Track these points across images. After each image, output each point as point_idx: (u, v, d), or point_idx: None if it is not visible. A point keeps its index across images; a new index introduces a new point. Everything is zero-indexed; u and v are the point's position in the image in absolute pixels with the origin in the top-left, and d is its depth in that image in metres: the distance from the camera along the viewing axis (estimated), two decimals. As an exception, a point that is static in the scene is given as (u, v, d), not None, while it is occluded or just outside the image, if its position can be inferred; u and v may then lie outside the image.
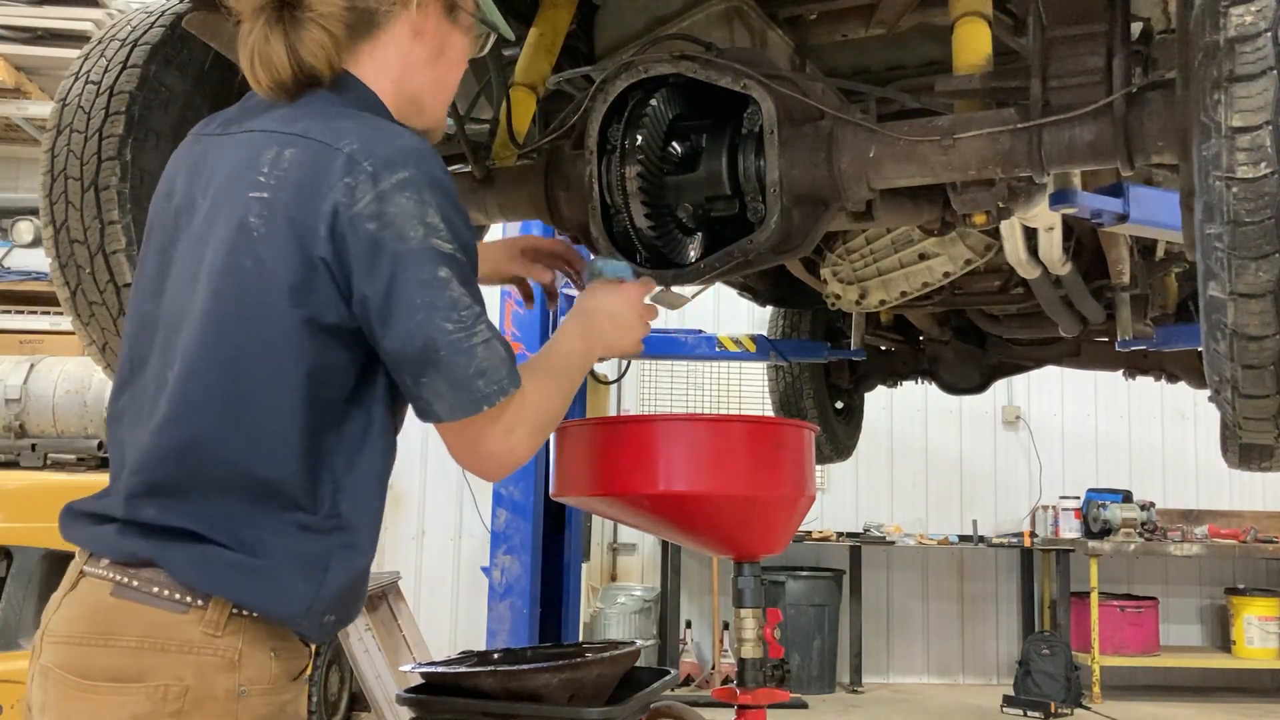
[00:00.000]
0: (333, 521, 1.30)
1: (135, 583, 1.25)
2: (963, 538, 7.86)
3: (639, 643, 2.40)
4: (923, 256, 3.33)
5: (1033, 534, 7.83)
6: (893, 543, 7.67)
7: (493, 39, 1.57)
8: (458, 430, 1.33)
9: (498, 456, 1.36)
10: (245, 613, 1.26)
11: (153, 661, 1.22)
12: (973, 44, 1.96)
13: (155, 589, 1.24)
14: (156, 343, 1.34)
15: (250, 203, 1.27)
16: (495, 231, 3.41)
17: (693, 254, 2.09)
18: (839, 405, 5.09)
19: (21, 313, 6.38)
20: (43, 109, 6.69)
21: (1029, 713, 6.61)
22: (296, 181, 1.26)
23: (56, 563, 4.00)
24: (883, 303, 3.50)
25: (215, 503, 1.26)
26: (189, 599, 1.24)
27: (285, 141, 1.29)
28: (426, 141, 1.34)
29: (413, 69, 1.43)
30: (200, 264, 1.31)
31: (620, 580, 7.86)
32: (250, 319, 1.27)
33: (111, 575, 1.26)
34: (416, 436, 6.41)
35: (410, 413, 1.41)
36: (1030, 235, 2.84)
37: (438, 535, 7.51)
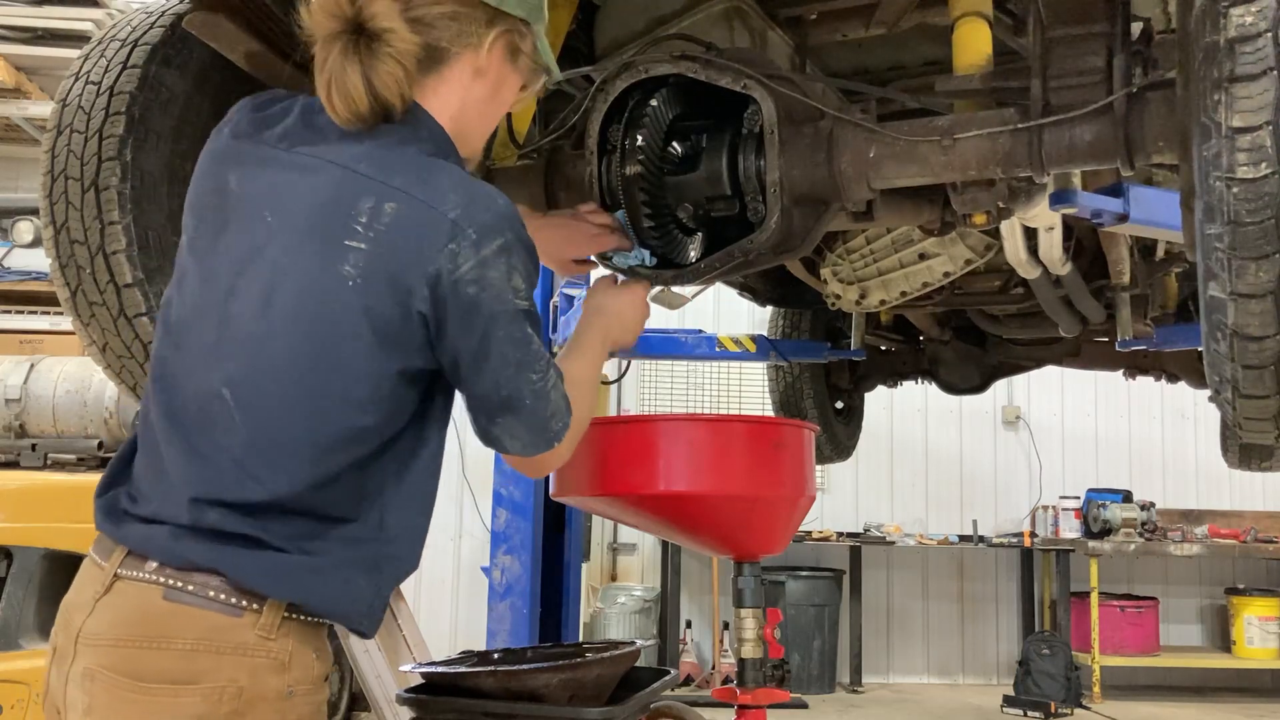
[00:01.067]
0: (379, 534, 1.38)
1: (190, 586, 1.27)
2: (963, 538, 7.86)
3: (639, 643, 2.40)
4: (923, 256, 3.33)
5: (1033, 534, 7.83)
6: (893, 543, 7.67)
7: (543, 80, 1.59)
8: (527, 458, 1.49)
9: (551, 465, 1.54)
10: (295, 616, 1.31)
11: (207, 664, 1.25)
12: (973, 44, 1.96)
13: (211, 593, 1.27)
14: (204, 349, 1.35)
15: (346, 251, 1.30)
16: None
17: (693, 254, 2.09)
18: (839, 405, 5.09)
19: (21, 313, 6.37)
20: (43, 109, 6.69)
21: (1029, 713, 6.61)
22: (400, 240, 1.31)
23: (56, 563, 4.00)
24: (883, 303, 3.50)
25: (279, 517, 1.31)
26: (244, 603, 1.28)
27: (385, 194, 1.32)
28: (509, 201, 1.39)
29: (469, 106, 1.47)
30: (277, 291, 1.32)
31: (620, 580, 7.86)
32: (339, 363, 1.31)
33: (161, 579, 1.28)
34: (416, 436, 6.39)
35: None
36: (1030, 235, 2.84)
37: (438, 535, 7.51)
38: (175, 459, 1.33)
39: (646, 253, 1.92)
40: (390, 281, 1.30)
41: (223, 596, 1.27)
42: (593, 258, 1.98)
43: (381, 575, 1.39)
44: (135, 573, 1.29)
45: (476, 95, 1.47)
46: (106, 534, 1.35)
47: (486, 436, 1.45)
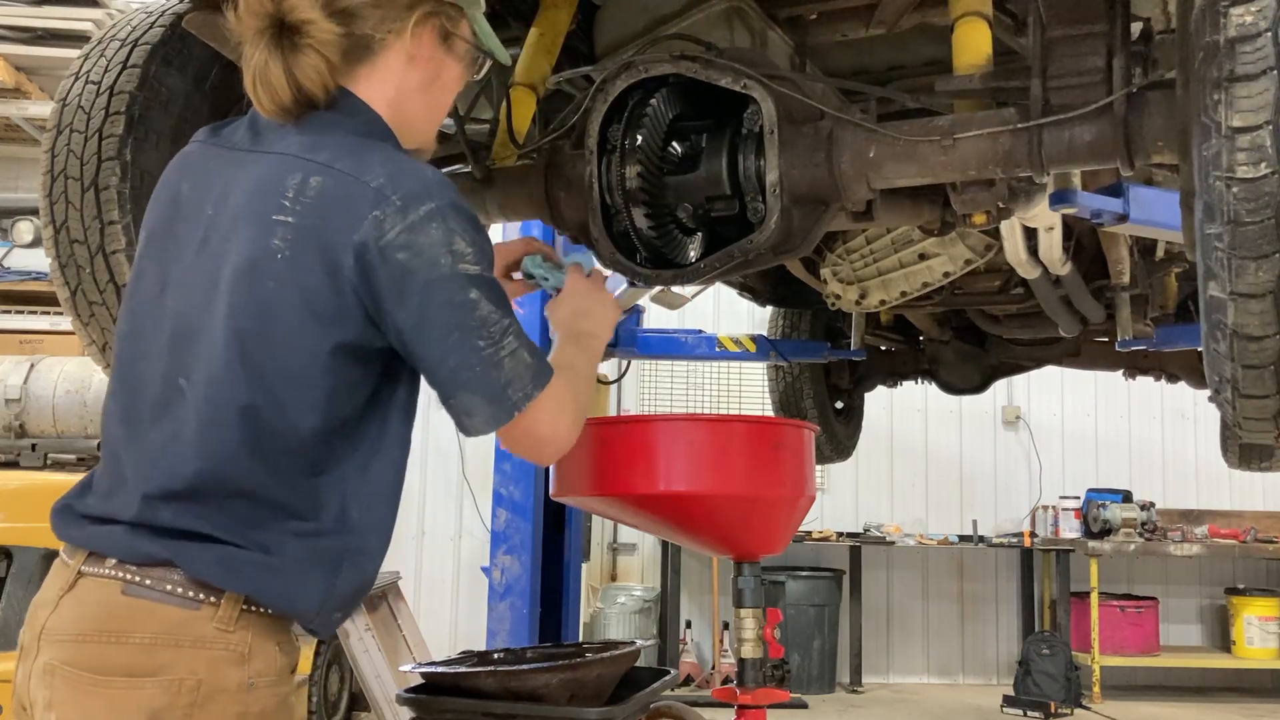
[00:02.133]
0: (341, 527, 1.37)
1: (148, 581, 1.28)
2: (963, 538, 7.86)
3: (639, 643, 2.40)
4: (923, 256, 3.33)
5: (1033, 534, 7.83)
6: (893, 543, 7.66)
7: (488, 65, 1.59)
8: (505, 433, 1.42)
9: (549, 442, 1.46)
10: (255, 609, 1.31)
11: (167, 657, 1.26)
12: (973, 44, 1.96)
13: (168, 587, 1.28)
14: (160, 347, 1.37)
15: (274, 225, 1.32)
16: (495, 232, 3.40)
17: (693, 254, 2.09)
18: (839, 405, 5.09)
19: (21, 313, 6.37)
20: (43, 109, 6.68)
21: (1029, 713, 6.61)
22: (324, 210, 1.31)
23: (56, 563, 4.00)
24: (883, 303, 3.50)
25: (229, 509, 1.31)
26: (201, 596, 1.29)
27: (311, 170, 1.33)
28: (441, 174, 1.39)
29: (406, 94, 1.47)
30: (217, 277, 1.34)
31: (620, 580, 7.86)
32: (275, 339, 1.31)
33: (121, 574, 1.29)
34: (416, 437, 6.41)
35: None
36: (1030, 235, 2.84)
37: (438, 535, 7.51)
38: (131, 459, 1.35)
39: (590, 254, 1.89)
40: (319, 253, 1.30)
41: (180, 590, 1.28)
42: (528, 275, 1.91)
43: (340, 573, 1.36)
44: (96, 569, 1.31)
45: (412, 83, 1.47)
46: (66, 539, 1.37)
47: (456, 419, 1.41)
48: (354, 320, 1.33)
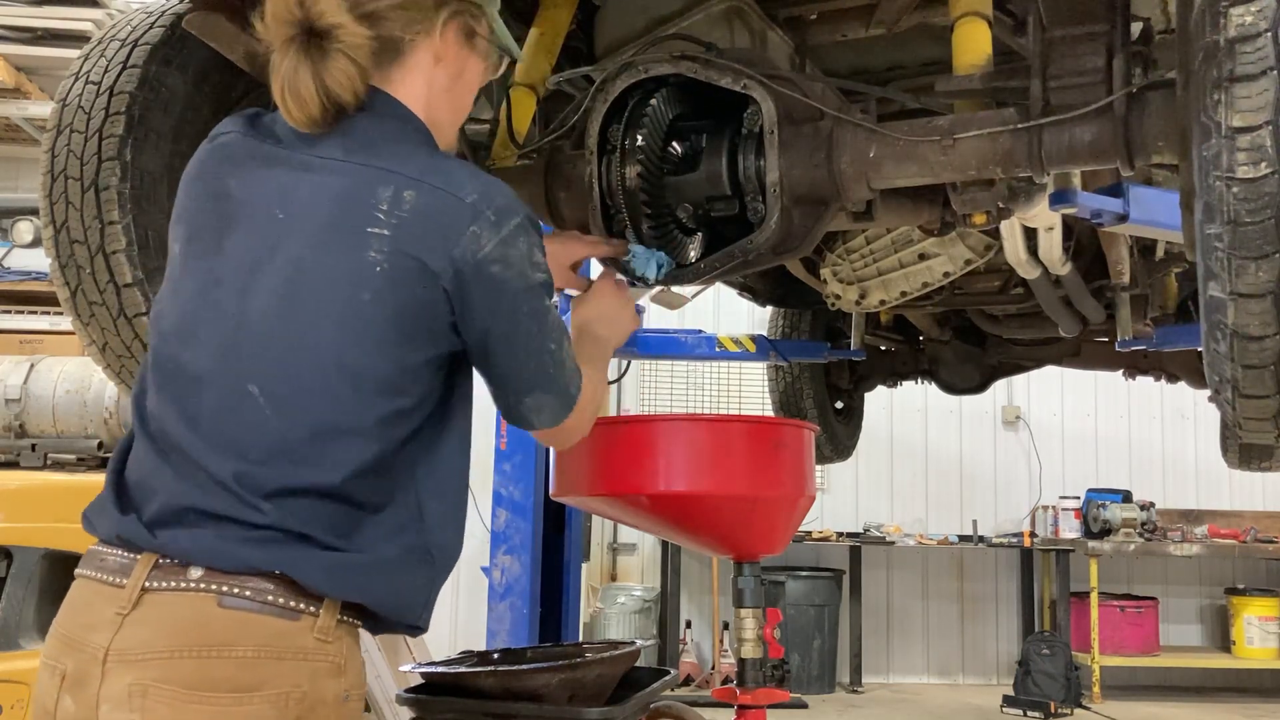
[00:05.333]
0: (420, 522, 1.38)
1: (247, 592, 1.25)
2: (963, 538, 7.86)
3: (639, 643, 2.40)
4: (923, 256, 3.33)
5: (1032, 534, 7.83)
6: (893, 543, 7.67)
7: (506, 62, 1.62)
8: (556, 431, 1.52)
9: (577, 434, 1.56)
10: (348, 619, 1.31)
11: (270, 670, 1.24)
12: (973, 44, 1.96)
13: (269, 598, 1.26)
14: (221, 348, 1.34)
15: (368, 238, 1.33)
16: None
17: (693, 254, 2.09)
18: (839, 405, 5.09)
19: (21, 313, 6.37)
20: (43, 109, 6.69)
21: (1029, 713, 6.61)
22: (421, 225, 1.34)
23: (56, 563, 3.99)
24: (883, 303, 3.50)
25: (322, 512, 1.30)
26: (301, 606, 1.27)
27: (403, 183, 1.35)
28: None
29: (436, 94, 1.49)
30: (298, 285, 1.33)
31: (620, 580, 7.86)
32: (368, 348, 1.32)
33: (214, 586, 1.25)
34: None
35: None
36: (1030, 235, 2.84)
37: (438, 535, 7.50)
38: (203, 463, 1.30)
39: (664, 255, 1.93)
40: (416, 265, 1.33)
41: (280, 601, 1.25)
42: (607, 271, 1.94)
43: (434, 566, 1.39)
44: (174, 582, 1.26)
45: (440, 82, 1.49)
46: (132, 544, 1.30)
47: (513, 414, 1.47)
48: (443, 328, 1.37)
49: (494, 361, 1.41)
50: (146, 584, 1.26)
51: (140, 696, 1.22)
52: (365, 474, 1.32)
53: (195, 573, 1.26)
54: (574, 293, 1.90)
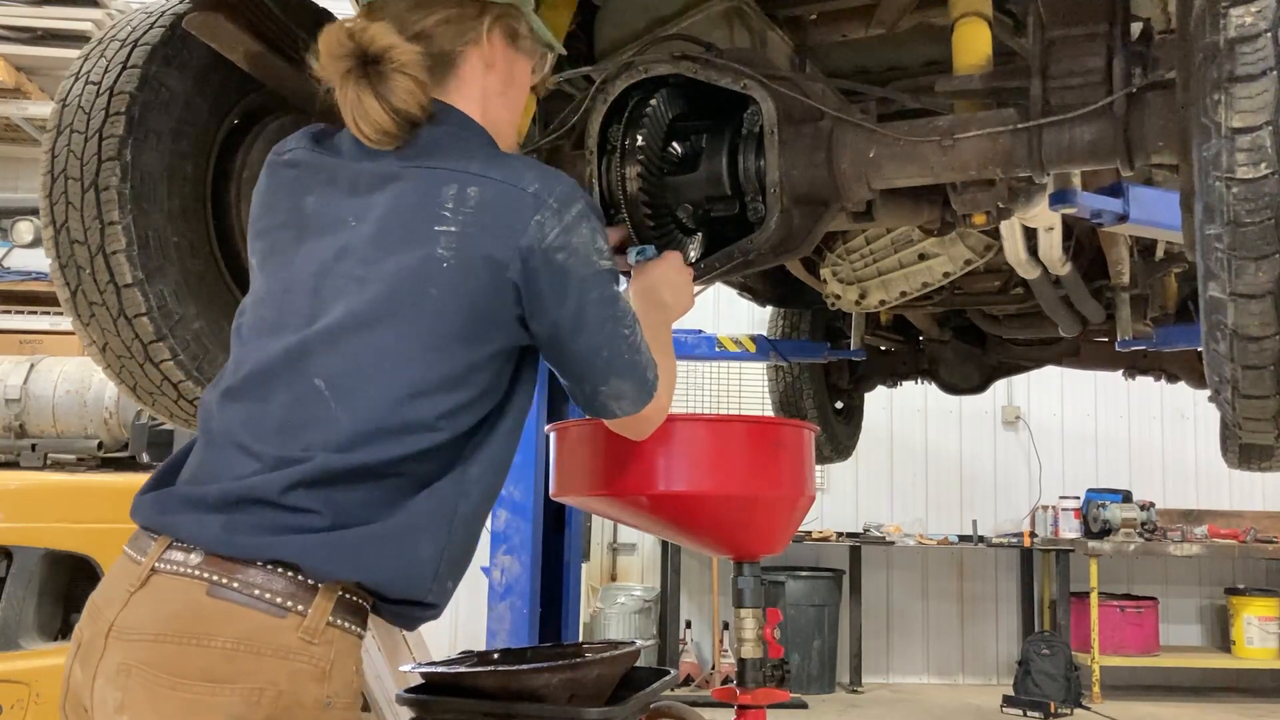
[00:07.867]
0: (460, 486, 1.38)
1: (235, 584, 1.25)
2: (962, 538, 7.86)
3: (639, 643, 2.40)
4: (923, 257, 3.33)
5: (1032, 534, 7.83)
6: (892, 543, 7.67)
7: (552, 59, 1.64)
8: (633, 420, 1.53)
9: (656, 420, 1.58)
10: (343, 623, 1.29)
11: (247, 664, 1.22)
12: (973, 44, 1.96)
13: (256, 591, 1.25)
14: (286, 346, 1.36)
15: (436, 235, 1.36)
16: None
17: (693, 254, 2.09)
18: (839, 405, 5.09)
19: (21, 313, 6.37)
20: (43, 109, 6.69)
21: (1029, 713, 6.61)
22: (487, 218, 1.36)
23: (56, 563, 3.99)
24: (883, 303, 3.50)
25: (360, 494, 1.31)
26: (289, 604, 1.26)
27: (466, 180, 1.38)
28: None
29: (491, 99, 1.53)
30: (367, 284, 1.36)
31: (620, 580, 7.86)
32: (437, 343, 1.35)
33: (207, 574, 1.26)
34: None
35: None
36: (1030, 235, 2.84)
37: (438, 535, 7.50)
38: (255, 449, 1.32)
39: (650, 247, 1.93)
40: (484, 259, 1.35)
41: (268, 596, 1.25)
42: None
43: (451, 533, 1.37)
44: (176, 567, 1.27)
45: (493, 87, 1.53)
46: (154, 523, 1.33)
47: (594, 404, 1.49)
48: (511, 321, 1.40)
49: (567, 352, 1.43)
50: (156, 565, 1.28)
51: (124, 675, 1.24)
52: (420, 459, 1.34)
53: (195, 558, 1.27)
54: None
